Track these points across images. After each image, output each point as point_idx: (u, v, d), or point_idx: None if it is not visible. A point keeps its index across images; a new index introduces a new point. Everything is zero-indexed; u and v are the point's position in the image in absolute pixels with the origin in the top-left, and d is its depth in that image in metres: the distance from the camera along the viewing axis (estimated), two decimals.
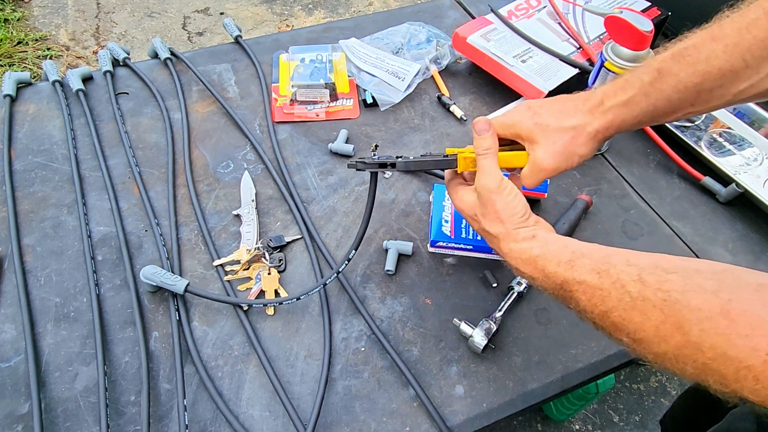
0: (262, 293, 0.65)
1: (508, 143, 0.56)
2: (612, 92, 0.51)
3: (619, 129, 0.52)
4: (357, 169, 0.57)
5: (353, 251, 0.60)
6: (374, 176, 0.58)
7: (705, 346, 0.33)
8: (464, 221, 0.67)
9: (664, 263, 0.39)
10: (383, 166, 0.55)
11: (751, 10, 0.47)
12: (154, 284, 0.61)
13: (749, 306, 0.33)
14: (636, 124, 0.52)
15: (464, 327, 0.60)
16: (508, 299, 0.64)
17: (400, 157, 0.56)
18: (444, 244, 0.67)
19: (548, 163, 0.52)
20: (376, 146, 0.58)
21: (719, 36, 0.47)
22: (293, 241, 0.70)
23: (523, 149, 0.54)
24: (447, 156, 0.55)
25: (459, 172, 0.55)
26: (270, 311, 0.63)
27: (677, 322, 0.35)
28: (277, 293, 0.65)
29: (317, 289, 0.62)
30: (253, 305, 0.63)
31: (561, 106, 0.53)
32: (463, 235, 0.66)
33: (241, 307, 0.62)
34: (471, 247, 0.67)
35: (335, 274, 0.62)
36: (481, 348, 0.58)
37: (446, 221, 0.68)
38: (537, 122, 0.52)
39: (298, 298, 0.62)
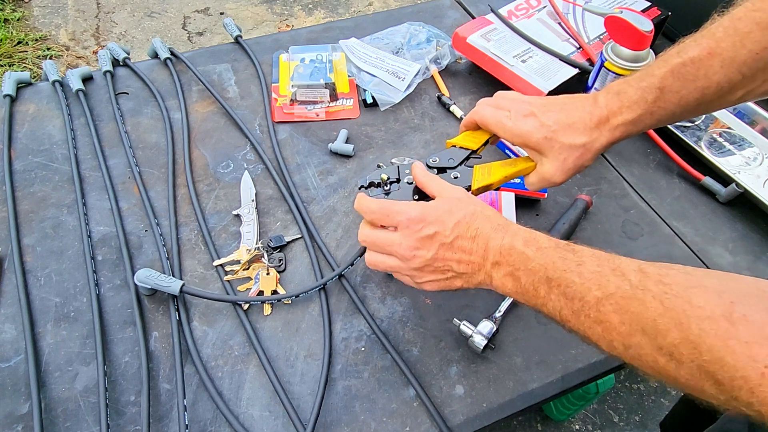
0: (261, 293, 0.64)
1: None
2: (618, 110, 0.52)
3: (621, 140, 0.55)
4: None
5: (358, 257, 0.61)
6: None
7: (703, 347, 0.32)
8: None
9: (661, 263, 0.39)
10: None
11: (744, 22, 0.48)
12: (148, 287, 0.61)
13: (753, 311, 0.31)
14: (637, 134, 0.55)
15: (464, 327, 0.60)
16: (508, 299, 0.64)
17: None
18: None
19: (559, 179, 0.54)
20: (388, 178, 0.58)
21: (716, 51, 0.49)
22: (293, 240, 0.70)
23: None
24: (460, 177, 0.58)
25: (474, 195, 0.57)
26: (267, 310, 0.63)
27: (677, 317, 0.33)
28: (275, 293, 0.65)
29: (315, 288, 0.63)
30: (251, 302, 0.63)
31: (567, 119, 0.53)
32: None
33: (240, 306, 0.62)
34: None
35: (336, 275, 0.63)
36: (481, 348, 0.58)
37: None
38: (546, 136, 0.53)
39: (297, 296, 0.62)
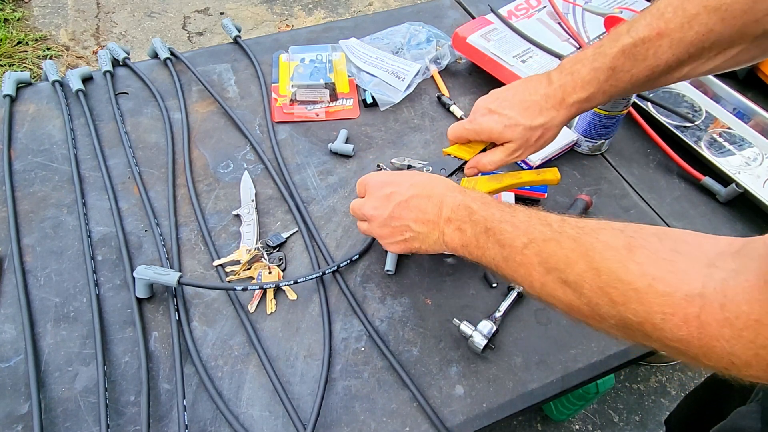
0: (264, 292, 0.64)
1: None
2: (572, 89, 0.56)
3: (577, 115, 0.59)
4: None
5: (357, 255, 0.66)
6: None
7: (603, 271, 0.37)
8: None
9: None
10: None
11: (692, 3, 0.50)
12: (147, 279, 0.61)
13: (648, 243, 0.36)
14: (591, 108, 0.60)
15: (464, 327, 0.60)
16: (508, 299, 0.64)
17: None
18: None
19: (520, 154, 0.60)
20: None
21: (665, 32, 0.51)
22: (291, 236, 0.70)
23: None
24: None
25: None
26: (270, 308, 0.63)
27: (585, 251, 0.39)
28: (279, 288, 0.65)
29: (316, 276, 0.64)
30: (249, 288, 0.62)
31: (523, 104, 0.58)
32: None
33: (242, 306, 0.62)
34: None
35: (335, 267, 0.65)
36: (481, 348, 0.58)
37: None
38: (507, 125, 0.58)
39: (295, 282, 0.63)
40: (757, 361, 0.30)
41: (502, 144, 0.60)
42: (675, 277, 0.34)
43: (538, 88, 0.58)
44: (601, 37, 0.89)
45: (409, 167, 0.76)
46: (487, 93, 0.88)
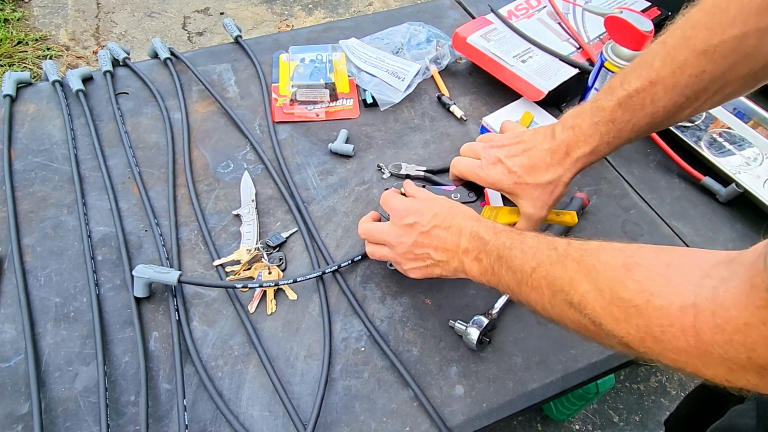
0: (264, 293, 0.64)
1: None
2: (575, 144, 0.56)
3: (585, 168, 0.59)
4: None
5: (359, 256, 0.66)
6: None
7: (605, 291, 0.38)
8: None
9: None
10: None
11: (679, 51, 0.50)
12: (147, 278, 0.61)
13: (646, 261, 0.38)
14: (598, 160, 0.59)
15: (458, 325, 0.61)
16: (504, 297, 0.64)
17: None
18: None
19: (538, 215, 0.59)
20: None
21: (657, 79, 0.51)
22: (291, 236, 0.70)
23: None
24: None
25: None
26: (270, 308, 0.63)
27: (588, 272, 0.40)
28: (279, 288, 0.65)
29: (316, 275, 0.64)
30: (249, 286, 0.62)
31: (530, 161, 0.58)
32: None
33: (243, 306, 0.62)
34: None
35: (336, 267, 0.65)
36: (475, 341, 0.58)
37: None
38: (515, 182, 0.58)
39: (295, 280, 0.63)
40: (750, 364, 0.31)
41: (516, 199, 0.60)
42: (670, 290, 0.35)
43: (543, 143, 0.58)
44: (602, 37, 0.89)
45: (407, 176, 0.76)
46: (487, 93, 0.89)
